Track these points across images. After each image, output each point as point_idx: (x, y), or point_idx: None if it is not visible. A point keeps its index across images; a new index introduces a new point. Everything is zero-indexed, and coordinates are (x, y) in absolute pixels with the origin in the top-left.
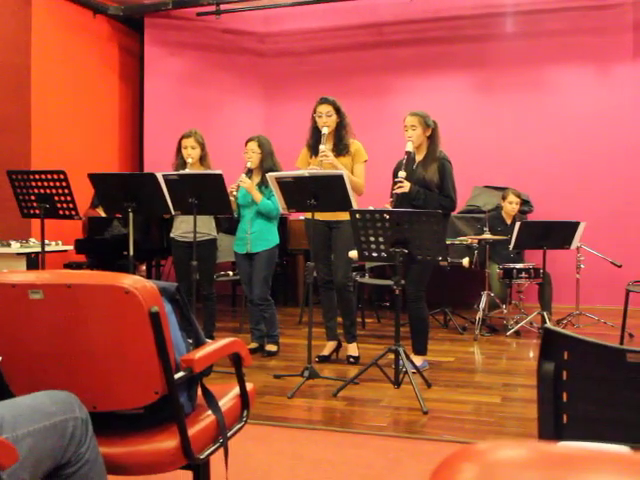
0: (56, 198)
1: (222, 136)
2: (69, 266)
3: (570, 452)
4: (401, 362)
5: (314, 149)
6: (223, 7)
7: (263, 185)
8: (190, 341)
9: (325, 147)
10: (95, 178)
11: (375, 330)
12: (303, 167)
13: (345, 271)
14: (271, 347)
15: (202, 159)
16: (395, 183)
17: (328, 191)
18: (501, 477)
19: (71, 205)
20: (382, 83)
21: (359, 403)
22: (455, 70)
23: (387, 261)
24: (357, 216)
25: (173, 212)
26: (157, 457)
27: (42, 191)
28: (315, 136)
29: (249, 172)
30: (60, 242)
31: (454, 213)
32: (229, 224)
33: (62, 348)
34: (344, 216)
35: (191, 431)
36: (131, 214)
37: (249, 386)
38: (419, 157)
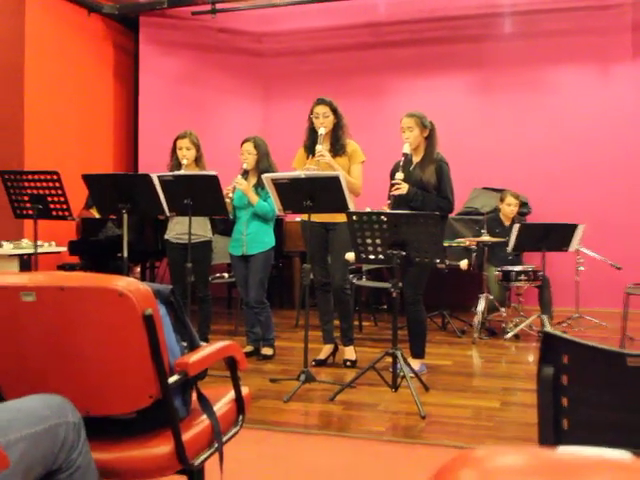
0: (49, 199)
1: (218, 137)
2: (62, 268)
3: (570, 458)
4: (399, 366)
5: (311, 150)
6: (219, 6)
7: (259, 186)
8: (184, 344)
9: (322, 146)
10: (89, 179)
11: (372, 333)
12: (299, 168)
13: (342, 273)
14: (267, 350)
15: (197, 160)
16: (392, 185)
17: (324, 192)
18: None
19: (64, 206)
20: (380, 83)
21: (356, 407)
22: (454, 70)
23: (384, 263)
24: (354, 218)
25: (168, 213)
26: (151, 462)
27: (35, 192)
28: (312, 137)
29: (245, 173)
30: (53, 243)
31: (452, 215)
32: (224, 226)
33: (55, 351)
34: (341, 218)
35: (185, 436)
36: (125, 215)
37: (244, 390)
38: (416, 158)
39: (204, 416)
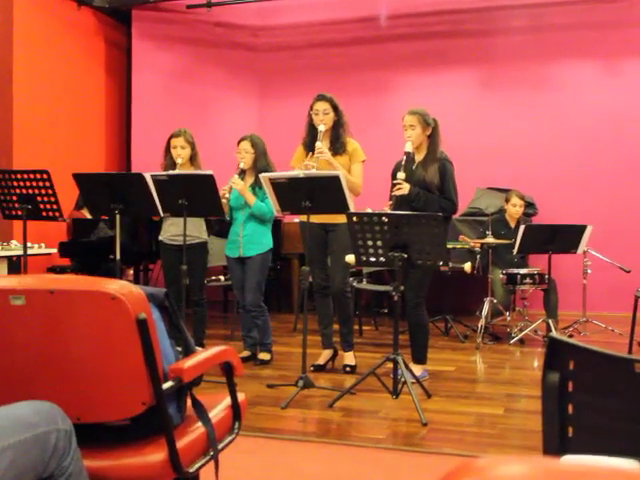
0: (39, 199)
1: (213, 135)
2: (52, 270)
3: (576, 467)
4: (400, 371)
5: (310, 147)
6: None
7: (257, 186)
8: (179, 349)
9: (321, 143)
10: (80, 178)
11: (373, 338)
12: (298, 167)
13: (342, 276)
14: (264, 355)
15: (192, 159)
16: (394, 185)
17: (324, 193)
18: None
19: (55, 206)
20: (381, 79)
21: (356, 414)
22: (457, 66)
23: (385, 266)
24: (354, 219)
25: (162, 214)
26: (144, 471)
27: (24, 191)
28: (311, 134)
29: (242, 173)
30: (43, 245)
31: (455, 216)
32: (220, 227)
33: (45, 357)
34: (341, 219)
35: (180, 443)
36: (118, 216)
37: (241, 396)
38: (419, 157)
39: (199, 423)
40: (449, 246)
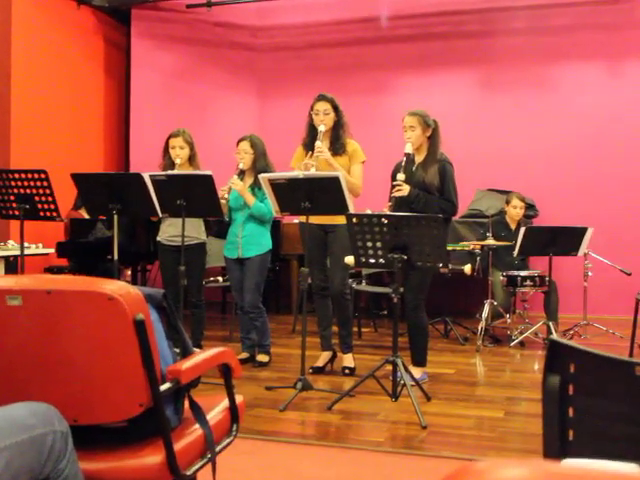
0: (37, 198)
1: (212, 135)
2: (50, 270)
3: (576, 471)
4: (399, 374)
5: (310, 147)
6: None
7: (256, 187)
8: (177, 351)
9: (321, 143)
10: (78, 178)
11: (372, 340)
12: (298, 167)
13: (342, 278)
14: (262, 357)
15: (191, 159)
16: (394, 186)
17: (323, 193)
18: None
19: (52, 206)
20: (381, 80)
21: (355, 417)
22: (458, 67)
23: (385, 268)
24: (354, 220)
25: (160, 214)
26: (141, 473)
27: (22, 191)
28: (311, 134)
29: (241, 173)
30: (40, 245)
31: (455, 218)
32: (219, 227)
33: (41, 357)
34: (340, 220)
35: (177, 446)
36: (116, 216)
37: (239, 398)
38: (419, 159)
39: (197, 425)
40: (449, 248)
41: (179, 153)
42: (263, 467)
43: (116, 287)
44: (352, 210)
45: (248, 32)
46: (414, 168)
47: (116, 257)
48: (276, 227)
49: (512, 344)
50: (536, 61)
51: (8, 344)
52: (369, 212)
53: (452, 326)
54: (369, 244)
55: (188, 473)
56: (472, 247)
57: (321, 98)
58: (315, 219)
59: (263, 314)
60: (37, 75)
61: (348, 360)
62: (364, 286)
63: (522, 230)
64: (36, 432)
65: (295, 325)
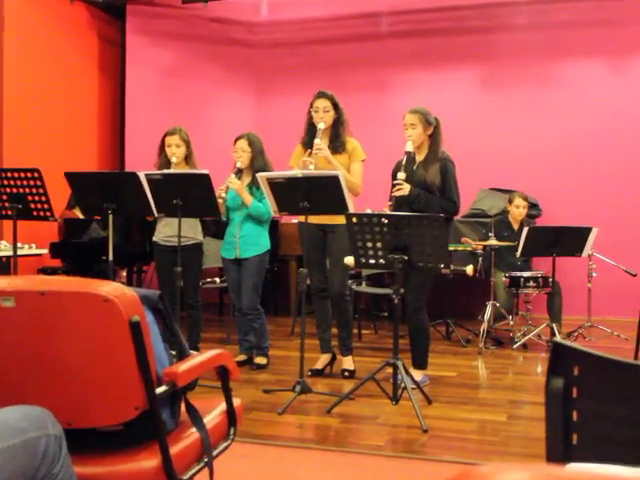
0: (30, 198)
1: (209, 133)
2: (43, 271)
3: (580, 476)
4: (400, 377)
5: (309, 146)
6: None
7: (254, 186)
8: (173, 353)
9: (320, 141)
10: (72, 177)
11: (372, 342)
12: (297, 166)
13: (341, 279)
14: (260, 360)
15: (187, 158)
16: (394, 185)
17: (323, 193)
18: None
19: (46, 206)
20: (381, 77)
21: (354, 420)
22: (459, 64)
23: (385, 268)
24: (354, 220)
25: (156, 214)
26: (137, 477)
27: (15, 190)
28: (310, 132)
29: (239, 172)
30: (34, 245)
31: (457, 217)
32: (216, 227)
33: (35, 360)
34: (340, 220)
35: (173, 450)
36: (111, 216)
37: (236, 401)
38: (420, 157)
39: (193, 429)
40: (451, 248)
41: (175, 151)
42: (261, 472)
43: (111, 288)
44: (352, 210)
45: (245, 28)
46: (415, 167)
47: (111, 258)
48: (274, 227)
49: (515, 346)
50: (538, 58)
51: (1, 346)
52: (369, 212)
53: (454, 328)
54: (369, 244)
55: (184, 478)
56: (474, 247)
57: (321, 95)
58: (314, 219)
59: (262, 316)
60: (30, 72)
61: (348, 362)
62: (364, 287)
63: (525, 230)
64: (29, 436)
65: (294, 327)
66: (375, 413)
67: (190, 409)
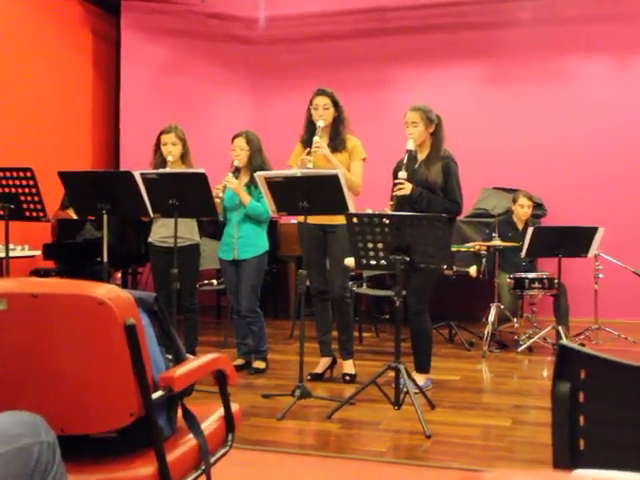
0: (22, 198)
1: (206, 131)
2: (36, 273)
3: None
4: (402, 381)
5: (309, 144)
6: None
7: (252, 185)
8: (169, 357)
9: (319, 139)
10: (65, 176)
11: (373, 345)
12: (297, 165)
13: (342, 281)
14: (259, 364)
15: (184, 157)
16: (395, 184)
17: (322, 192)
18: None
19: (39, 206)
20: (382, 74)
21: (356, 426)
22: (462, 60)
23: (387, 270)
24: (354, 220)
25: (152, 214)
26: None
27: (7, 190)
28: (310, 130)
29: (236, 171)
30: (26, 246)
31: (460, 217)
32: (214, 228)
33: (27, 364)
34: (340, 220)
35: (170, 456)
36: (105, 216)
37: (234, 407)
38: (421, 156)
39: (190, 435)
40: (453, 249)
41: (171, 150)
42: (260, 478)
43: (106, 291)
44: (352, 209)
45: (243, 24)
46: (416, 166)
47: (105, 259)
48: (273, 227)
49: (520, 349)
50: (542, 54)
51: None
52: (370, 212)
53: (457, 331)
54: (370, 245)
55: None
56: (478, 248)
57: (320, 92)
58: (314, 219)
59: (260, 318)
60: (21, 68)
61: (348, 366)
62: (365, 289)
63: (530, 230)
64: (22, 443)
65: (293, 330)
66: (377, 418)
67: (187, 415)
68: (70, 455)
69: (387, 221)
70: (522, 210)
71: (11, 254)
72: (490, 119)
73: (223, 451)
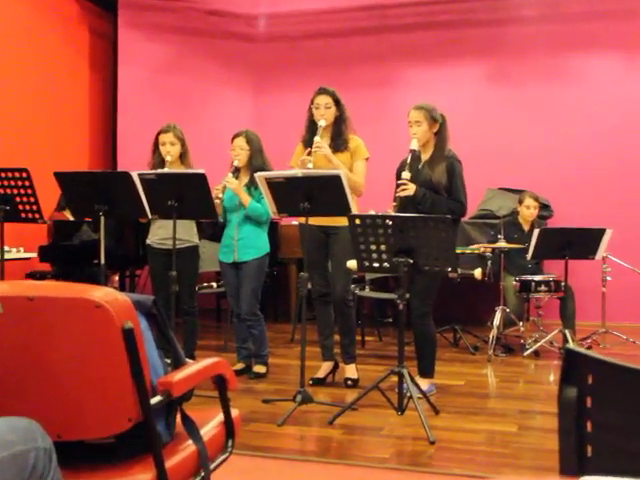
0: (18, 199)
1: (205, 131)
2: (32, 276)
3: None
4: (405, 386)
5: (310, 144)
6: None
7: (252, 186)
8: (168, 361)
9: (321, 139)
10: (62, 177)
11: (376, 349)
12: (298, 166)
13: (344, 283)
14: (259, 368)
15: (182, 157)
16: (398, 185)
17: (324, 193)
18: None
19: (34, 207)
20: (385, 72)
21: (358, 432)
22: (466, 58)
23: (390, 272)
24: (356, 222)
25: (150, 216)
26: None
27: (2, 191)
28: (311, 130)
29: (236, 171)
30: (22, 249)
31: (465, 219)
32: (213, 230)
33: (23, 369)
34: (342, 221)
35: (169, 463)
36: (102, 218)
37: (234, 412)
38: (425, 156)
39: (189, 441)
40: (458, 251)
41: (169, 150)
42: None
43: (103, 294)
44: (354, 210)
45: (244, 21)
46: (420, 166)
47: (103, 261)
48: (274, 229)
49: (526, 353)
50: (549, 51)
51: None
52: (373, 213)
53: (461, 334)
54: (373, 247)
55: None
56: (483, 250)
57: (322, 91)
58: (315, 220)
59: (261, 322)
60: (16, 67)
61: (351, 371)
62: (368, 292)
63: (536, 232)
64: (17, 449)
65: (294, 334)
66: (380, 424)
67: (186, 420)
68: (67, 461)
69: (390, 222)
70: (528, 211)
71: (6, 256)
72: (495, 118)
73: (223, 457)
